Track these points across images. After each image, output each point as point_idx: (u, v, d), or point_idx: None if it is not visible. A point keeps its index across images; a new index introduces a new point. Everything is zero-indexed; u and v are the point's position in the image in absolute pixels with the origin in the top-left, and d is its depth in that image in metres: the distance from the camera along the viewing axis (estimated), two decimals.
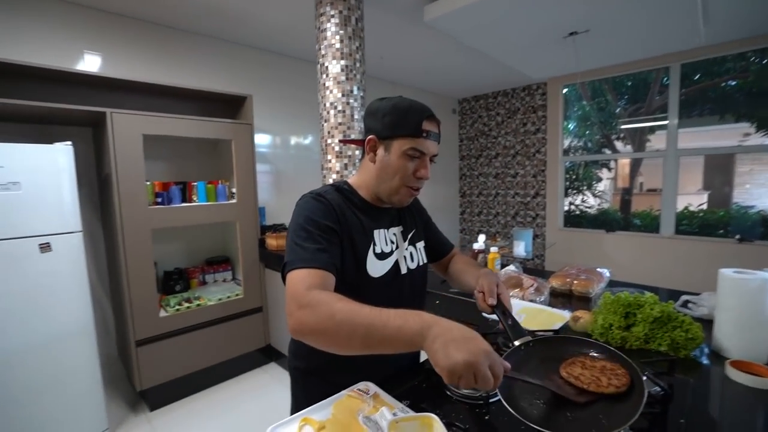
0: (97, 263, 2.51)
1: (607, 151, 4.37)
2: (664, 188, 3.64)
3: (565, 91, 4.30)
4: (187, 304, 2.32)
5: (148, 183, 2.22)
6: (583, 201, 4.58)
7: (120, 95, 2.37)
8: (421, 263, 0.99)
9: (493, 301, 0.88)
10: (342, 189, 0.90)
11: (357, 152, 2.22)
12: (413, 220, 1.03)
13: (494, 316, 0.90)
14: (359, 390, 0.81)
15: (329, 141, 2.21)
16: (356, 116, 2.21)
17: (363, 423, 0.68)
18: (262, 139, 3.19)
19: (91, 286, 2.01)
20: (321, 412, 0.75)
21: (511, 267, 1.78)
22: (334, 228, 0.81)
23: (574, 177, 4.55)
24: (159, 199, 2.28)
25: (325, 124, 2.22)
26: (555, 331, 1.05)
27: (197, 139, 2.57)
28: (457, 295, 1.57)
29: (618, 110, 4.21)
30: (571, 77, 4.05)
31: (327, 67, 2.19)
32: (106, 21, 2.42)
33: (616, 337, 1.01)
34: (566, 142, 4.40)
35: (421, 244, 1.02)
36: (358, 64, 2.21)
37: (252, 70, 3.11)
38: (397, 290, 0.91)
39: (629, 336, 1.00)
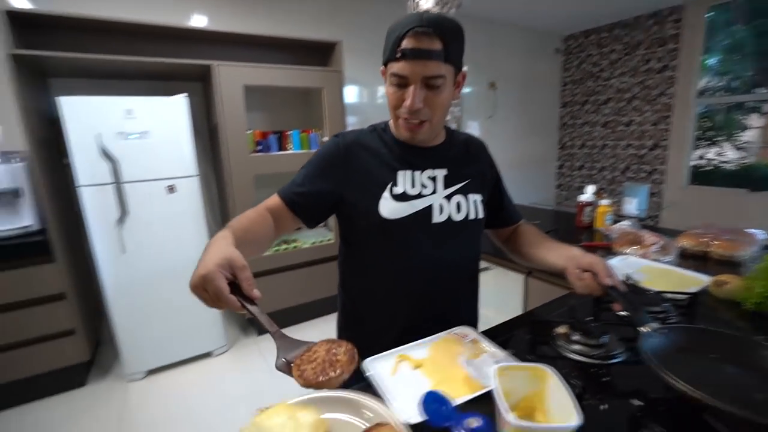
0: (212, 206, 2.82)
1: (765, 90, 3.48)
2: None
3: (708, 15, 3.45)
4: (285, 245, 2.52)
5: (249, 132, 2.37)
6: (719, 154, 3.79)
7: (220, 49, 2.50)
8: (472, 217, 0.84)
9: (610, 281, 0.71)
10: (377, 128, 0.86)
11: None
12: (474, 169, 0.88)
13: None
14: (456, 333, 0.77)
15: None
16: None
17: (464, 366, 0.65)
18: (351, 91, 3.17)
19: (207, 225, 2.28)
20: (417, 350, 0.73)
21: (626, 222, 1.55)
22: (330, 169, 0.80)
23: (708, 125, 3.76)
24: (259, 147, 2.43)
25: None
26: (692, 295, 0.88)
27: (290, 89, 2.65)
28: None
29: None
30: None
31: (418, 2, 2.02)
32: None
33: None
34: (701, 82, 3.60)
35: (477, 197, 0.85)
36: None
37: (341, 16, 3.04)
38: (428, 238, 0.80)
39: None
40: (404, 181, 0.80)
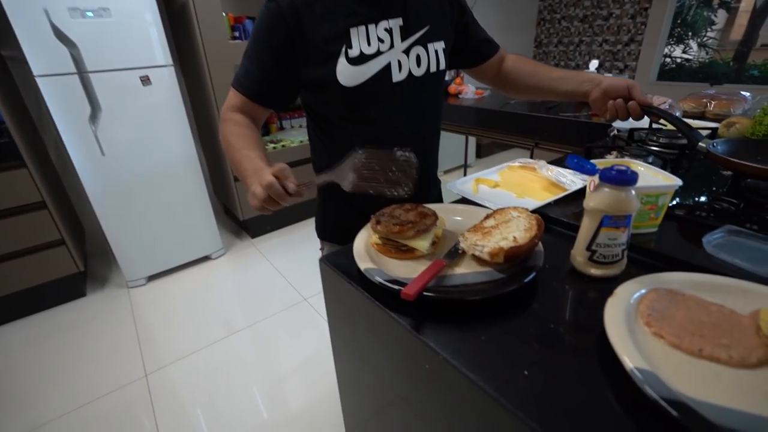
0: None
1: None
2: None
3: None
4: (273, 145, 2.42)
5: (224, 14, 2.10)
6: (684, 52, 3.90)
7: None
8: (433, 69, 0.77)
9: (650, 101, 0.72)
10: None
11: None
12: (433, 10, 0.78)
13: (623, 125, 0.80)
14: (521, 162, 0.81)
15: None
16: None
17: (548, 173, 0.69)
18: None
19: (190, 121, 2.11)
20: (488, 176, 0.77)
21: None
22: (278, 40, 0.70)
23: (678, 22, 3.79)
24: (236, 33, 2.18)
25: None
26: (712, 129, 0.96)
27: None
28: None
29: None
30: None
31: None
32: None
33: None
34: None
35: (438, 45, 0.78)
36: None
37: None
38: (390, 100, 0.75)
39: None
40: (358, 39, 0.70)
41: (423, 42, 0.75)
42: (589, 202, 0.46)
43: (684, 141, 0.81)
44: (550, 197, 0.65)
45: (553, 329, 0.41)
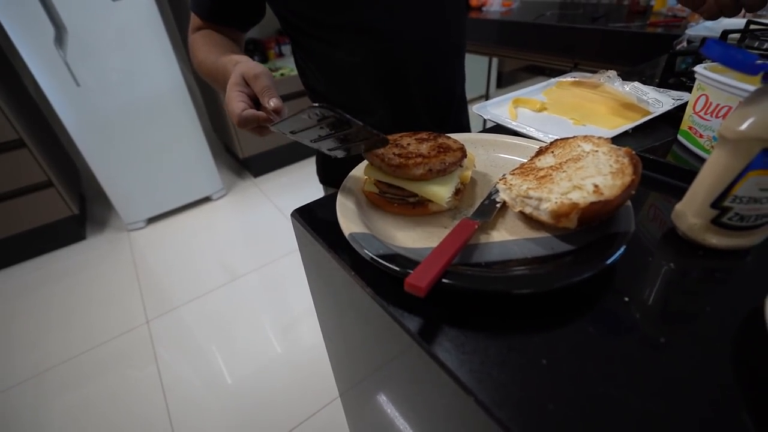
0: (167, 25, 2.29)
1: None
2: None
3: None
4: (272, 73, 2.15)
5: None
6: None
7: None
8: None
9: None
10: None
11: None
12: None
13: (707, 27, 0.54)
14: (575, 77, 0.59)
15: None
16: None
17: (624, 88, 0.48)
18: None
19: (171, 40, 1.84)
20: (530, 95, 0.56)
21: None
22: None
23: None
24: None
25: None
26: None
27: None
28: None
29: None
30: None
31: None
32: None
33: None
34: None
35: None
36: None
37: None
38: (384, 7, 0.55)
39: None
40: None
41: None
42: (737, 124, 0.26)
43: None
44: (627, 124, 0.44)
45: (660, 343, 0.24)
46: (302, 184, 2.33)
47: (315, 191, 0.72)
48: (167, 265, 1.81)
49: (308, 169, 2.48)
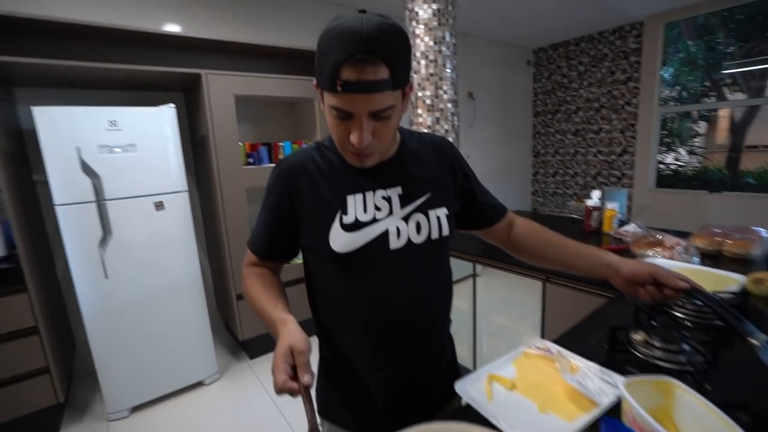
0: (195, 223, 2.65)
1: (709, 101, 3.80)
2: None
3: (667, 30, 3.74)
4: None
5: (240, 144, 2.26)
6: (676, 159, 4.11)
7: (207, 57, 2.38)
8: (435, 236, 0.74)
9: (686, 285, 0.65)
10: (321, 146, 0.78)
11: (449, 105, 2.08)
12: (436, 178, 0.78)
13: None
14: (538, 348, 0.74)
15: (419, 94, 2.09)
16: (449, 66, 2.05)
17: (572, 383, 0.62)
18: None
19: (198, 246, 2.13)
20: (503, 369, 0.70)
21: (632, 225, 1.61)
22: (280, 204, 0.75)
23: (665, 133, 4.06)
24: (251, 160, 2.33)
25: (415, 76, 2.09)
26: (735, 294, 0.91)
27: (276, 99, 2.57)
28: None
29: (732, 49, 3.60)
30: (675, 13, 3.50)
31: (417, 12, 2.03)
32: None
33: None
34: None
35: (441, 212, 0.75)
36: (450, 8, 2.03)
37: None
38: (387, 267, 0.71)
39: None
40: (354, 206, 0.71)
41: (423, 209, 0.74)
42: None
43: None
44: (581, 416, 0.57)
45: None
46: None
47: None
48: None
49: None
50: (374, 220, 0.71)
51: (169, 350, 2.05)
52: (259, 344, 2.44)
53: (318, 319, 0.82)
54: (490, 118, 4.32)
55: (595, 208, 1.70)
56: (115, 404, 1.94)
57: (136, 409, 2.02)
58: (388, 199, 0.72)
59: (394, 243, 0.71)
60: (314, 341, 0.75)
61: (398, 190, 0.73)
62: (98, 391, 1.99)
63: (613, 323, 0.80)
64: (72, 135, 1.70)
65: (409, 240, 0.72)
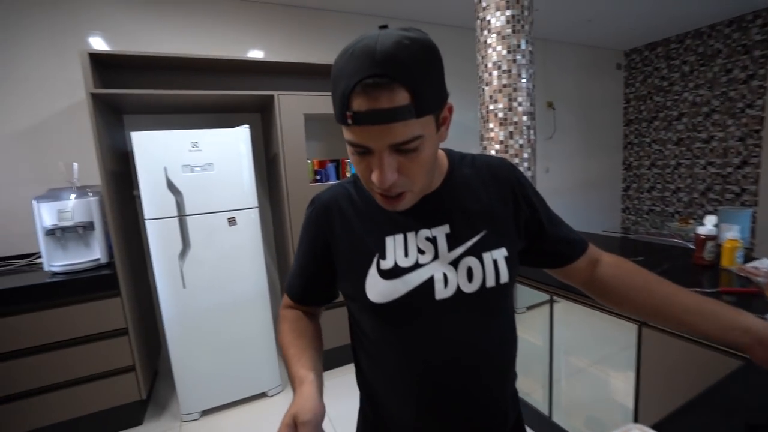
0: (266, 235, 2.78)
1: None
2: None
3: None
4: None
5: (308, 161, 2.32)
6: None
7: (279, 79, 2.51)
8: (491, 284, 0.61)
9: None
10: (358, 179, 0.67)
11: (524, 118, 1.90)
12: (493, 211, 0.64)
13: None
14: None
15: (491, 107, 1.94)
16: (524, 76, 1.88)
17: None
18: None
19: (264, 258, 2.20)
20: None
21: (764, 260, 1.28)
22: (314, 246, 0.68)
23: None
24: (318, 177, 2.37)
25: (486, 88, 1.95)
26: None
27: None
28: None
29: None
30: None
31: (489, 21, 1.90)
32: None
33: None
34: None
35: (499, 253, 0.62)
36: (526, 13, 1.86)
37: None
38: (431, 321, 0.60)
39: None
40: (394, 249, 0.61)
41: (476, 251, 0.61)
42: None
43: None
44: None
45: None
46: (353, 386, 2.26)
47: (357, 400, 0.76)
48: None
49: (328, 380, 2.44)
50: (417, 266, 0.60)
51: (236, 359, 2.13)
52: (324, 359, 2.43)
53: (358, 366, 0.74)
54: (572, 128, 3.94)
55: (709, 238, 1.39)
56: (188, 406, 2.06)
57: (205, 413, 2.12)
58: (433, 240, 0.61)
59: (441, 293, 0.60)
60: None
61: (445, 228, 0.62)
62: (176, 393, 2.14)
63: (749, 411, 0.59)
64: (160, 156, 1.87)
65: (458, 289, 0.60)
